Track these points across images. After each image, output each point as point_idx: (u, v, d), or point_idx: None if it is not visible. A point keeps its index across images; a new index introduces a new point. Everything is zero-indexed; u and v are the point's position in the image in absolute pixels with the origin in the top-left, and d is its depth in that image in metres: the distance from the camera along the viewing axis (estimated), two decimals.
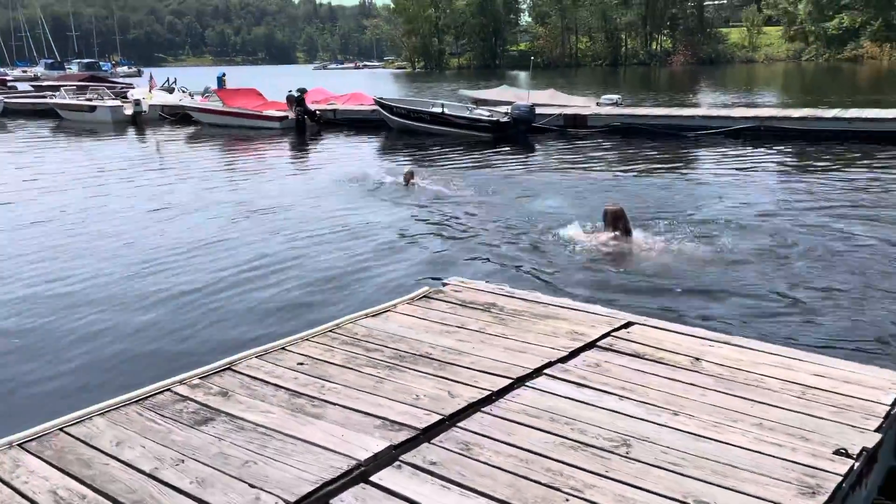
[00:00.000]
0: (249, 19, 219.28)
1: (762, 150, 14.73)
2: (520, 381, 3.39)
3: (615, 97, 20.30)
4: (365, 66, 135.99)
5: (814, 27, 67.72)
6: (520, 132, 17.63)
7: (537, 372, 3.49)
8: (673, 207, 9.49)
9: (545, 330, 4.07)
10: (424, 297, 4.75)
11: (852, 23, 64.13)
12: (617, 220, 7.33)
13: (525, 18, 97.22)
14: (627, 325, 4.12)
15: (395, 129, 19.58)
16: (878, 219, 8.57)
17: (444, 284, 5.01)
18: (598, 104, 19.86)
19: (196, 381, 3.53)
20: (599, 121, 17.84)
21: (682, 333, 3.98)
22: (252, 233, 8.79)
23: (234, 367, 3.69)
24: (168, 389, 3.45)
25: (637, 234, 7.48)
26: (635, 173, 12.79)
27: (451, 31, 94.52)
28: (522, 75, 66.92)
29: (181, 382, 3.51)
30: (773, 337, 4.77)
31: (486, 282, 5.17)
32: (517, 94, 21.11)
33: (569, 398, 3.19)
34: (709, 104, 24.54)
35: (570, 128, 17.98)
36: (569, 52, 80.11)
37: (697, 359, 3.60)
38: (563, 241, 7.56)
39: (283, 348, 3.93)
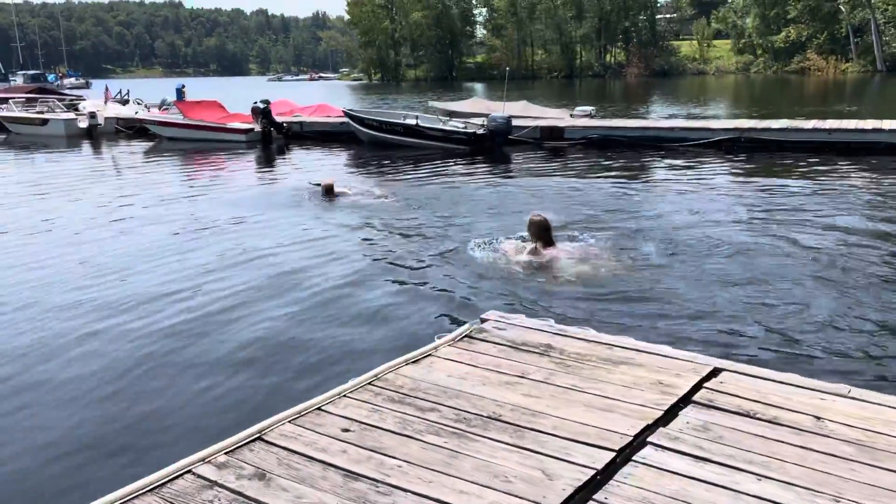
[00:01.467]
0: (200, 30, 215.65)
1: (742, 160, 14.55)
2: (623, 455, 2.79)
3: (589, 109, 20.02)
4: (321, 77, 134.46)
5: (761, 40, 69.36)
6: (496, 144, 17.16)
7: (639, 440, 2.90)
8: (642, 218, 9.40)
9: (623, 380, 3.49)
10: (466, 337, 4.13)
11: (798, 36, 65.83)
12: (541, 231, 7.15)
13: (481, 31, 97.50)
14: (715, 372, 3.56)
15: (366, 142, 18.94)
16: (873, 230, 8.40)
17: (483, 320, 4.40)
18: (571, 116, 19.53)
19: (222, 459, 2.84)
20: (576, 133, 17.48)
21: (782, 382, 3.44)
22: (227, 259, 7.94)
23: (265, 437, 3.01)
24: (189, 471, 2.75)
25: (564, 245, 7.43)
26: (611, 184, 12.45)
27: (408, 43, 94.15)
28: (479, 87, 66.85)
29: (204, 461, 2.82)
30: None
31: (526, 315, 4.58)
32: (490, 106, 20.65)
33: (695, 479, 2.60)
34: (674, 115, 24.59)
35: (547, 140, 17.57)
36: (525, 64, 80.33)
37: (819, 418, 3.06)
38: (481, 254, 7.48)
39: (319, 409, 3.26)
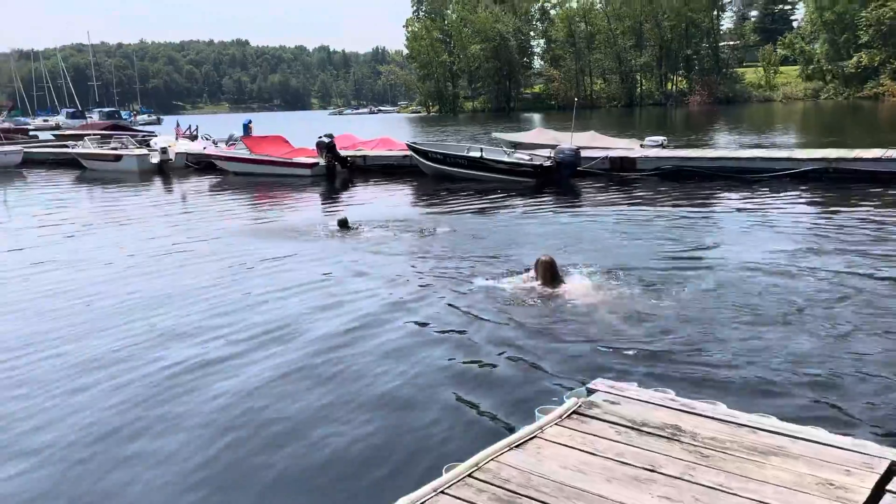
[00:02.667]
0: (265, 67, 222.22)
1: (832, 193, 13.55)
2: None
3: (660, 139, 19.24)
4: (380, 110, 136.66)
5: (831, 66, 67.07)
6: (563, 176, 16.57)
7: None
8: (724, 253, 8.85)
9: (780, 478, 2.84)
10: (575, 413, 3.53)
11: (871, 61, 63.38)
12: (546, 271, 7.23)
13: (538, 62, 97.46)
14: (894, 469, 2.88)
15: (430, 175, 18.61)
16: None
17: (591, 391, 3.80)
18: (642, 146, 18.79)
19: None
20: (648, 164, 16.73)
21: None
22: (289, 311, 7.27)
23: None
24: None
25: (578, 281, 7.35)
26: (687, 217, 11.72)
27: (465, 75, 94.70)
28: (536, 117, 66.48)
29: None
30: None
31: (639, 384, 3.95)
32: (556, 137, 20.10)
33: None
34: (743, 144, 23.54)
35: (617, 171, 16.88)
36: (584, 94, 79.65)
37: None
38: (485, 289, 7.41)
39: None
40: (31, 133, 44.95)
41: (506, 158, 17.39)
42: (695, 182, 15.55)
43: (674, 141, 22.73)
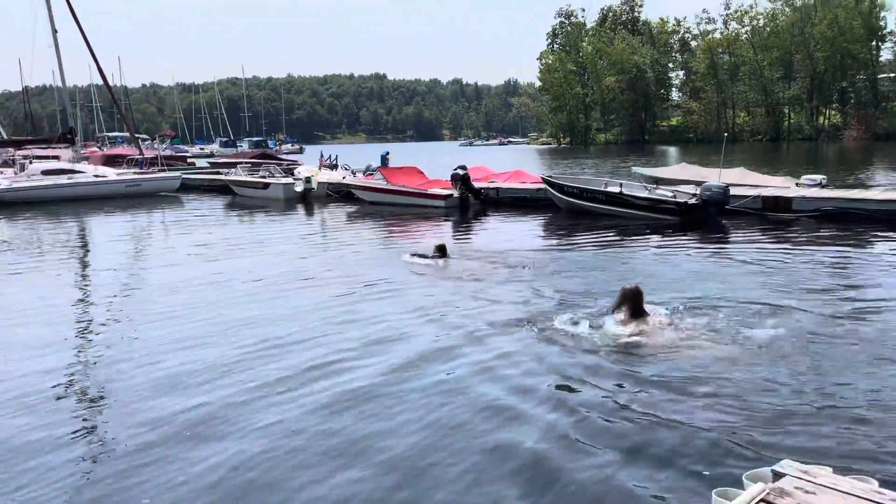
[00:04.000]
0: (400, 99, 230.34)
1: None
2: None
3: (818, 177, 17.80)
4: (510, 142, 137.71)
5: None
6: (710, 215, 15.67)
7: None
8: None
9: None
10: (762, 502, 3.07)
11: None
12: (626, 300, 6.98)
13: (677, 94, 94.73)
14: None
15: (564, 209, 18.23)
16: None
17: (778, 474, 3.31)
18: (798, 185, 17.47)
19: None
20: (806, 204, 15.48)
21: None
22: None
23: None
24: None
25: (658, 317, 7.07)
26: (849, 265, 10.58)
27: (599, 107, 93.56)
28: (673, 150, 64.34)
29: None
30: None
31: (833, 468, 3.41)
32: (702, 173, 19.14)
33: None
34: None
35: (771, 211, 15.74)
36: (725, 126, 76.31)
37: None
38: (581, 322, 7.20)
39: None
40: (188, 160, 48.66)
41: (647, 194, 16.73)
42: (859, 225, 14.19)
43: (832, 180, 21.04)
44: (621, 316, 6.99)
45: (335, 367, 6.46)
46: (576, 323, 7.28)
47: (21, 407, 5.74)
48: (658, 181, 19.15)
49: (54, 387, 6.21)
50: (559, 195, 18.32)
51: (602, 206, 17.12)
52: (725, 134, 18.24)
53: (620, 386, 5.78)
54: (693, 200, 15.68)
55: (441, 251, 11.53)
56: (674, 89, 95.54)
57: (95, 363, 6.95)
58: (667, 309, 7.54)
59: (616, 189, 17.14)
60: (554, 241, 14.37)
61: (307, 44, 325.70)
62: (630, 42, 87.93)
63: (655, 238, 13.94)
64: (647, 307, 7.18)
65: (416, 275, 10.65)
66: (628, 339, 6.73)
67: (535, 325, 7.49)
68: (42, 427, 5.33)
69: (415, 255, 11.79)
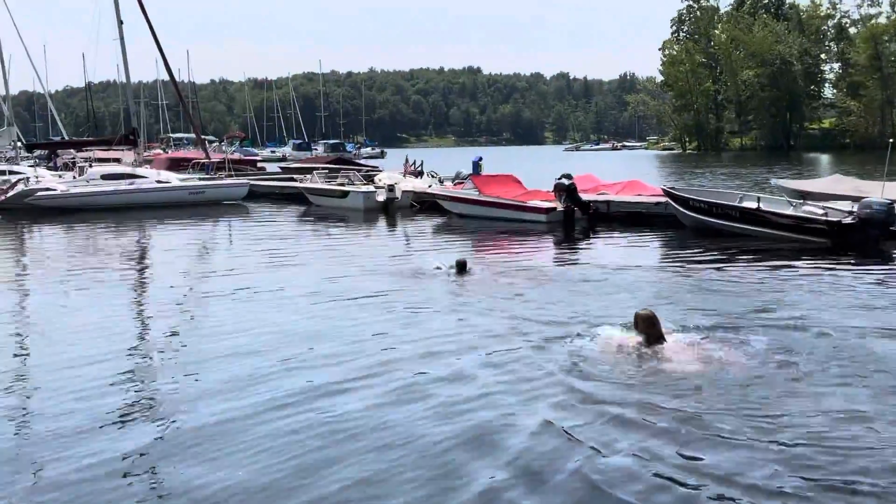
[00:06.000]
0: (496, 97, 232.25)
1: None
2: None
3: None
4: (624, 146, 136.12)
5: None
6: (870, 237, 14.97)
7: None
8: None
9: None
10: None
11: None
12: (637, 327, 7.68)
13: (830, 91, 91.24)
14: None
15: (689, 227, 17.86)
16: None
17: None
18: None
19: None
20: None
21: None
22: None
23: None
24: None
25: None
26: None
27: (733, 106, 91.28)
28: (824, 158, 61.93)
29: None
30: None
31: None
32: (860, 187, 18.36)
33: None
34: None
35: None
36: (891, 130, 72.78)
37: None
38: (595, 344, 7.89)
39: None
40: (259, 165, 50.64)
41: (791, 212, 16.18)
42: None
43: None
44: (636, 339, 7.66)
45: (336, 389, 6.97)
46: (582, 345, 8.01)
47: (76, 417, 6.10)
48: (805, 196, 18.49)
49: (112, 402, 6.56)
50: (683, 210, 17.94)
51: (735, 225, 16.65)
52: (891, 140, 17.33)
53: (600, 413, 6.16)
54: (849, 219, 15.04)
55: (461, 268, 12.45)
56: (827, 85, 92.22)
57: (147, 379, 7.36)
58: (697, 334, 8.17)
59: (753, 204, 16.66)
60: (674, 264, 14.06)
61: (392, 34, 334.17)
62: (773, 29, 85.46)
63: (801, 264, 13.40)
64: (674, 333, 7.93)
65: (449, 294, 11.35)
66: (636, 362, 7.36)
67: (556, 342, 8.17)
68: (101, 443, 5.64)
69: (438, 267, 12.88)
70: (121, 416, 6.43)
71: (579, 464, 5.25)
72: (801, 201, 17.26)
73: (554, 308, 9.93)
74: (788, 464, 5.14)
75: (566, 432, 5.78)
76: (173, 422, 6.24)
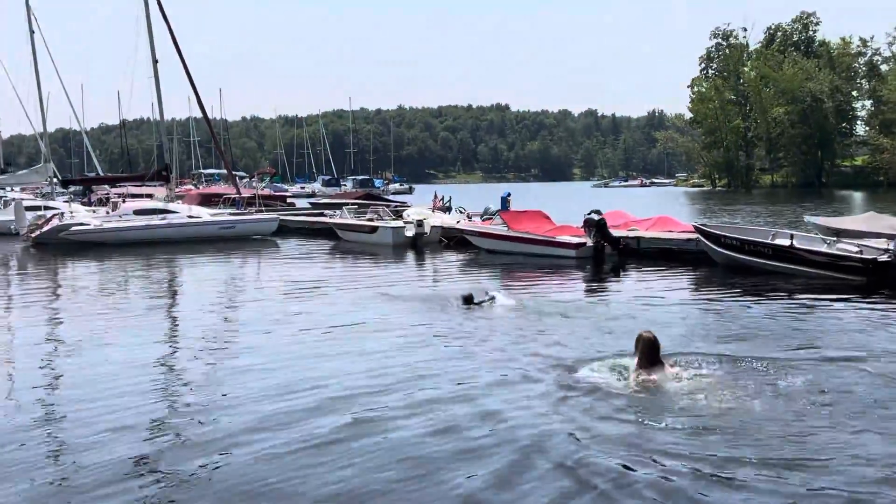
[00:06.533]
0: (524, 133, 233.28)
1: None
2: None
3: None
4: (652, 183, 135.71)
5: None
6: None
7: None
8: None
9: None
10: None
11: None
12: (637, 349, 7.83)
13: (862, 128, 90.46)
14: None
15: (721, 264, 17.71)
16: None
17: None
18: None
19: None
20: None
21: None
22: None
23: None
24: None
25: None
26: None
27: (763, 143, 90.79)
28: (857, 196, 61.18)
29: None
30: None
31: None
32: (894, 225, 18.09)
33: None
34: None
35: None
36: None
37: None
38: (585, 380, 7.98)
39: None
40: (288, 200, 51.20)
41: (825, 249, 15.98)
42: None
43: None
44: (634, 364, 7.88)
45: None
46: (590, 369, 8.27)
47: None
48: (839, 233, 18.23)
49: (135, 438, 6.58)
50: (714, 247, 17.82)
51: (768, 262, 16.49)
52: None
53: (593, 435, 6.44)
54: (885, 257, 14.83)
55: (468, 301, 12.78)
56: (859, 122, 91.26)
57: (177, 414, 7.34)
58: (697, 361, 8.45)
59: (786, 241, 16.48)
60: (705, 301, 13.91)
61: (420, 72, 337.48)
62: (803, 66, 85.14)
63: (835, 302, 13.18)
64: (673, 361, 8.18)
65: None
66: (634, 387, 7.56)
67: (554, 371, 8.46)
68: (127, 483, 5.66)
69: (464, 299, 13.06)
70: (148, 448, 6.47)
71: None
72: (835, 239, 17.03)
73: (574, 341, 10.05)
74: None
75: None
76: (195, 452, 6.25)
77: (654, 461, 5.84)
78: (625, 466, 5.76)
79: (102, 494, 5.52)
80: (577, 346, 9.69)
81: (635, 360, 7.87)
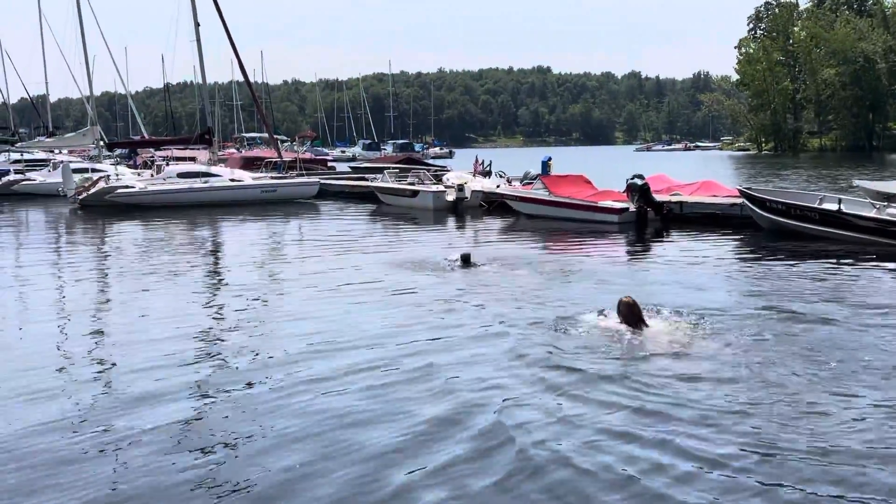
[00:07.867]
0: (566, 96, 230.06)
1: None
2: None
3: None
4: (697, 147, 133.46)
5: None
6: None
7: None
8: None
9: None
10: None
11: None
12: (630, 312, 8.32)
13: None
14: None
15: (766, 229, 17.43)
16: None
17: None
18: None
19: None
20: None
21: None
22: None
23: None
24: None
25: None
26: None
27: (812, 106, 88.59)
28: None
29: None
30: None
31: None
32: None
33: None
34: None
35: None
36: None
37: None
38: (576, 328, 8.57)
39: None
40: (329, 164, 51.39)
41: (874, 214, 15.60)
42: None
43: None
44: (615, 323, 8.37)
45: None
46: (565, 329, 8.60)
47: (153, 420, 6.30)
48: (889, 198, 17.79)
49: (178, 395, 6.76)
50: (760, 212, 17.52)
51: (815, 227, 16.18)
52: None
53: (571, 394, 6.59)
54: None
55: (466, 261, 13.11)
56: None
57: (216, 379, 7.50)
58: (678, 316, 8.88)
59: (833, 206, 16.13)
60: (748, 265, 13.73)
61: (461, 34, 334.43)
62: (856, 25, 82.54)
63: (883, 269, 12.88)
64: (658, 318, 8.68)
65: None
66: (613, 345, 7.91)
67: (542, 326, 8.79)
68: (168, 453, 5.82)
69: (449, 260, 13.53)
70: (187, 404, 6.67)
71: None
72: (885, 203, 16.62)
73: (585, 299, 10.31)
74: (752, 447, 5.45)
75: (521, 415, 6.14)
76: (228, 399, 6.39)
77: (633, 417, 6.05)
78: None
79: (153, 450, 5.68)
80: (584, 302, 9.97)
81: (616, 320, 8.40)
